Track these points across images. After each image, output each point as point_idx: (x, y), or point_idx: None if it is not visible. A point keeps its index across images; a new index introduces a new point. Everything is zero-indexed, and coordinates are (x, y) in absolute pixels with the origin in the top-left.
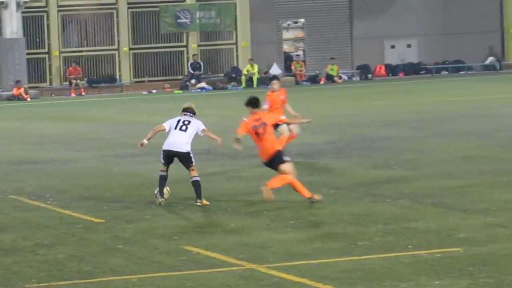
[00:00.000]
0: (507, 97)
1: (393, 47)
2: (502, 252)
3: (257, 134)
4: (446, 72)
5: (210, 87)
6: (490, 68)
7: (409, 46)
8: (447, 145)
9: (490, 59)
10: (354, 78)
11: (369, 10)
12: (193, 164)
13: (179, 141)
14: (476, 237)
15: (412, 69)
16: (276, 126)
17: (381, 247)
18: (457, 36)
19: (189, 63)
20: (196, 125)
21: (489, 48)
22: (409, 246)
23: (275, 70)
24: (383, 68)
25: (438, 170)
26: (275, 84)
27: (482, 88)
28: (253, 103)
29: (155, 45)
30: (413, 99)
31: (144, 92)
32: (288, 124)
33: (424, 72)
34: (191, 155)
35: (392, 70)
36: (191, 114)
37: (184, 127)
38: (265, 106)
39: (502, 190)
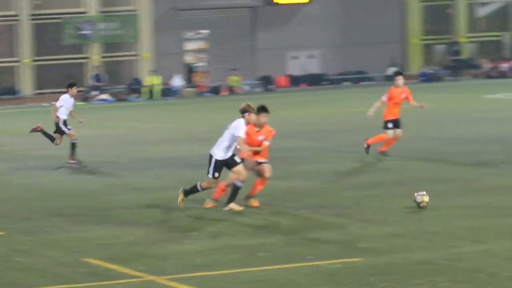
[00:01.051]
0: (408, 107)
1: (295, 58)
2: (402, 262)
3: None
4: (348, 83)
5: (112, 99)
6: (391, 78)
7: (311, 57)
8: (348, 156)
9: (392, 69)
10: (256, 89)
11: (271, 22)
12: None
13: (215, 145)
14: (376, 247)
15: (314, 80)
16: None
17: (281, 258)
18: (359, 46)
19: (92, 75)
20: (231, 130)
21: (391, 59)
22: (309, 257)
23: (177, 81)
24: (286, 79)
25: (339, 181)
26: (399, 80)
27: None
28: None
29: (57, 56)
30: (315, 110)
31: (45, 104)
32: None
33: (326, 82)
34: (212, 160)
35: (294, 80)
36: (242, 115)
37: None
38: (383, 97)
39: (402, 200)
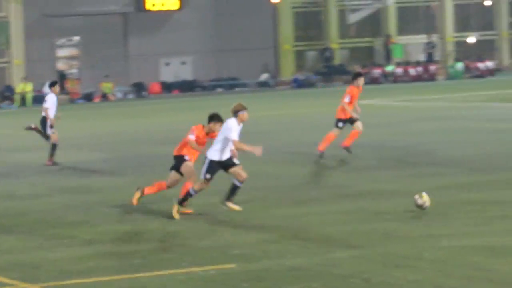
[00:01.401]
0: (280, 114)
1: (168, 64)
2: (276, 268)
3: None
4: (220, 89)
5: None
6: (264, 84)
7: (183, 63)
8: None
9: (265, 76)
10: (129, 96)
11: (143, 28)
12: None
13: (210, 148)
14: (250, 253)
15: (187, 86)
16: (352, 122)
17: (155, 264)
18: (232, 53)
19: None
20: (224, 132)
21: (263, 65)
22: (183, 263)
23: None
24: (158, 85)
25: (215, 187)
26: (361, 80)
27: (256, 105)
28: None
29: None
30: (188, 116)
31: None
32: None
33: (199, 89)
34: (206, 161)
35: (167, 87)
36: (235, 115)
37: None
38: (346, 100)
39: (276, 206)
